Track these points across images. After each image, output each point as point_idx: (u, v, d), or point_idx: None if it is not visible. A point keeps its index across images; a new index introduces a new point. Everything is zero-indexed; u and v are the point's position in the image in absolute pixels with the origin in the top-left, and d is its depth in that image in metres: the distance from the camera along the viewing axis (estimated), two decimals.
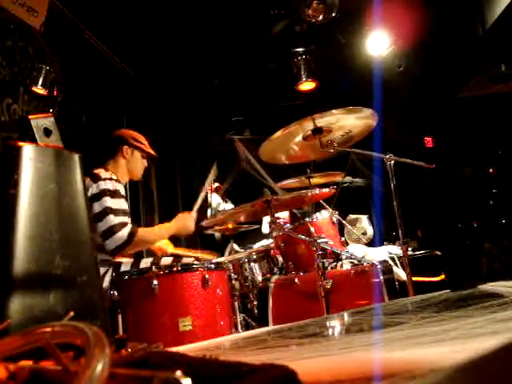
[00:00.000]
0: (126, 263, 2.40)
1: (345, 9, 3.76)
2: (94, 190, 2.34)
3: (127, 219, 2.39)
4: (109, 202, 2.33)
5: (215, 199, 4.90)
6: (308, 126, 2.27)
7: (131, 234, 2.31)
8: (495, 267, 4.30)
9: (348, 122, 2.32)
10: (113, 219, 2.31)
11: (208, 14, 3.93)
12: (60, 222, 1.22)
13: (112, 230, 2.29)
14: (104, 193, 2.34)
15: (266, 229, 4.34)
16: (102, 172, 2.44)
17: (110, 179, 2.42)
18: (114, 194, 2.38)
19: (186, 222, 2.59)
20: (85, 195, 1.33)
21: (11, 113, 2.72)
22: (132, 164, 2.63)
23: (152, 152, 2.71)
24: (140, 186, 4.49)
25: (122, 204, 2.41)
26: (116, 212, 2.34)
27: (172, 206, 5.19)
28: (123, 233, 2.30)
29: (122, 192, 2.47)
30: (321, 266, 2.02)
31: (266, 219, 4.29)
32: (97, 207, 2.32)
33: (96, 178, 2.38)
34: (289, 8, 3.96)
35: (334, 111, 2.17)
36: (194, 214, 2.65)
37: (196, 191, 5.54)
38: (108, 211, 2.31)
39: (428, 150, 5.22)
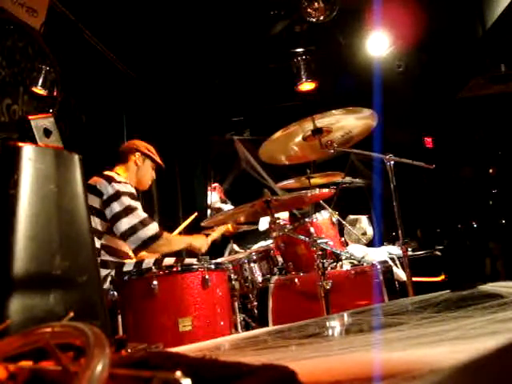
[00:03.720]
0: (128, 264, 2.40)
1: (345, 9, 3.76)
2: (109, 190, 2.36)
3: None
4: (130, 201, 2.36)
5: (213, 197, 4.91)
6: (308, 126, 2.27)
7: (159, 232, 2.36)
8: (498, 267, 4.30)
9: (348, 123, 2.32)
10: (141, 214, 2.36)
11: (208, 15, 3.92)
12: (60, 222, 1.22)
13: (141, 224, 2.33)
14: (122, 193, 2.38)
15: (262, 226, 4.34)
16: (115, 175, 2.47)
17: (125, 183, 2.46)
18: (132, 196, 2.41)
19: (202, 242, 2.68)
20: (85, 196, 1.32)
21: (11, 113, 2.72)
22: (142, 172, 2.70)
23: (161, 163, 2.80)
24: None
25: (140, 207, 2.45)
26: (140, 210, 2.39)
27: (172, 207, 5.19)
28: (153, 227, 2.34)
29: (136, 196, 2.51)
30: (321, 266, 2.02)
31: (264, 218, 4.29)
32: (117, 206, 2.34)
33: (110, 180, 2.40)
34: (289, 8, 3.96)
35: (333, 111, 2.17)
36: (210, 240, 2.76)
37: (196, 191, 5.54)
38: (133, 208, 2.34)
39: (428, 150, 5.22)
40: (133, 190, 2.48)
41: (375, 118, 2.31)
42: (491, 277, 4.20)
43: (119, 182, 2.42)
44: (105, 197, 2.35)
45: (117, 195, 2.36)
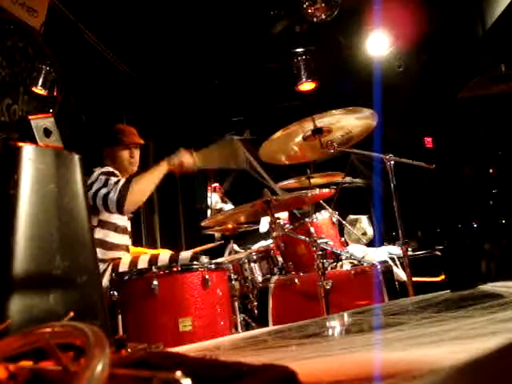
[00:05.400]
0: (123, 263, 2.39)
1: (345, 9, 3.76)
2: (91, 179, 2.35)
3: None
4: (104, 178, 2.34)
5: (214, 198, 4.91)
6: (308, 126, 2.27)
7: (127, 181, 2.31)
8: (493, 268, 4.30)
9: (348, 123, 2.32)
10: (110, 184, 2.31)
11: (208, 15, 3.92)
12: (60, 222, 1.22)
13: (110, 191, 2.27)
14: (99, 174, 2.36)
15: (263, 228, 4.34)
16: (98, 168, 2.47)
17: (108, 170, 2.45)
18: (107, 173, 2.38)
19: (184, 156, 2.52)
20: (85, 195, 1.33)
21: (11, 113, 2.72)
22: (116, 162, 2.61)
23: (132, 140, 2.64)
24: None
25: (114, 178, 2.40)
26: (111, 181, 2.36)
27: (172, 206, 5.19)
28: (118, 185, 2.29)
29: (117, 174, 2.48)
30: (321, 266, 2.02)
31: (265, 218, 4.30)
32: (94, 187, 2.32)
33: (92, 172, 2.41)
34: (289, 8, 3.96)
35: (333, 111, 2.17)
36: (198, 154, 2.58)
37: (196, 190, 5.54)
38: (105, 182, 2.31)
39: (428, 150, 5.22)
40: (110, 170, 2.45)
41: (375, 117, 2.31)
42: (489, 277, 4.20)
43: (98, 170, 2.41)
44: (87, 187, 2.33)
45: (96, 179, 2.35)
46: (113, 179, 2.34)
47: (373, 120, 2.34)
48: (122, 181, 2.33)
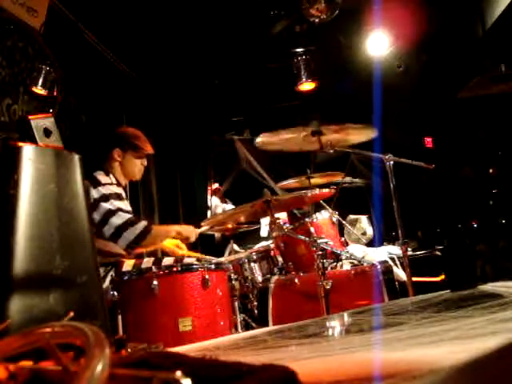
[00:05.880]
0: (127, 264, 2.40)
1: (345, 9, 3.75)
2: (94, 194, 2.35)
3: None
4: (114, 203, 2.35)
5: (213, 201, 4.92)
6: (307, 129, 2.27)
7: (147, 229, 2.35)
8: (487, 269, 4.29)
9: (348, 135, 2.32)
10: (125, 215, 2.35)
11: (208, 15, 3.92)
12: (60, 222, 1.22)
13: (127, 224, 2.32)
14: (108, 195, 2.37)
15: (264, 232, 4.34)
16: (101, 176, 2.45)
17: (111, 184, 2.45)
18: (116, 196, 2.40)
19: (190, 231, 2.60)
20: (85, 195, 1.33)
21: (11, 113, 2.72)
22: (126, 166, 2.60)
23: (147, 150, 2.65)
24: (140, 186, 4.49)
25: (128, 206, 2.44)
26: (128, 212, 2.38)
27: (172, 206, 5.18)
28: (139, 226, 2.34)
29: (123, 195, 2.50)
30: (321, 266, 2.03)
31: (264, 222, 4.30)
32: (103, 210, 2.33)
33: (96, 183, 2.39)
34: (289, 8, 3.96)
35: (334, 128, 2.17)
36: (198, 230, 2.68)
37: (196, 191, 5.54)
38: (117, 210, 2.34)
39: (428, 150, 5.22)
40: (117, 190, 2.45)
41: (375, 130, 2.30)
42: (484, 278, 4.20)
43: (104, 185, 2.40)
44: (91, 201, 2.33)
45: (103, 198, 2.35)
46: (126, 215, 2.35)
47: (372, 132, 2.33)
48: (141, 225, 2.35)
